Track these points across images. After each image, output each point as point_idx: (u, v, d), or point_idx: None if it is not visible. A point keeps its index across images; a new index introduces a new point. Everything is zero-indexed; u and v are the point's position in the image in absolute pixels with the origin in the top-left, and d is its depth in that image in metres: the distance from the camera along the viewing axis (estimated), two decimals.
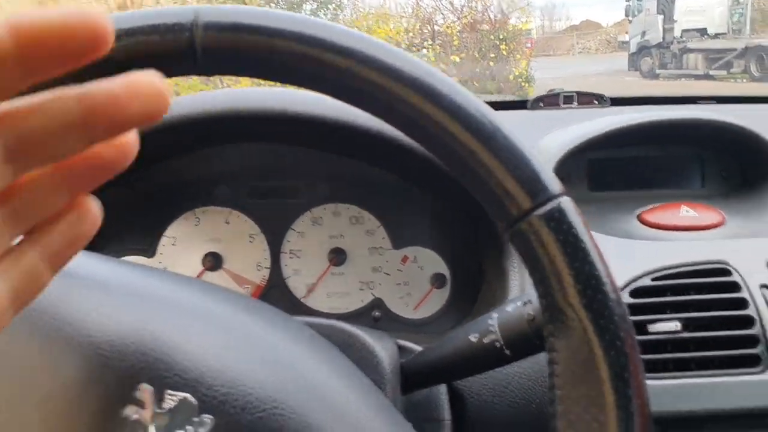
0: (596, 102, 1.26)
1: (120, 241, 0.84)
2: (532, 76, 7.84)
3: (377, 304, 0.84)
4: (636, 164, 0.94)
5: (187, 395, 0.38)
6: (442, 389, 0.64)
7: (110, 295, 0.42)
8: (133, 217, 0.84)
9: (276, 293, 0.85)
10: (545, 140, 0.94)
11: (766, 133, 0.87)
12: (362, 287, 0.85)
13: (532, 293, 0.53)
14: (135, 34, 0.37)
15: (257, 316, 0.47)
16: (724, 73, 12.45)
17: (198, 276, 0.84)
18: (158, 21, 0.36)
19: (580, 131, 0.91)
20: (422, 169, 0.75)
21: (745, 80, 11.86)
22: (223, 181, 0.85)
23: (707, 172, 0.92)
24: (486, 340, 0.54)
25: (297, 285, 0.85)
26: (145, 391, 0.38)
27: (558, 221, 0.37)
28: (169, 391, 0.38)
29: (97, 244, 0.83)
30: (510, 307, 0.53)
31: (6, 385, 0.38)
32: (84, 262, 0.44)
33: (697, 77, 12.76)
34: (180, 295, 0.45)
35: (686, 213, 0.81)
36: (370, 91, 0.38)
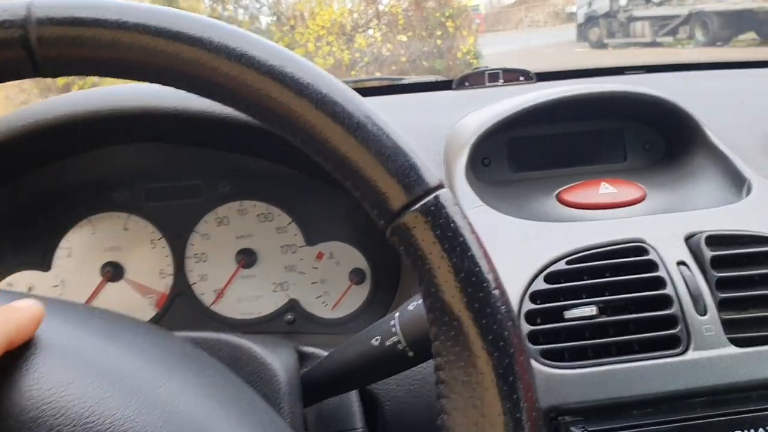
0: (522, 78, 1.23)
1: (11, 255, 0.78)
2: (480, 52, 7.82)
3: (292, 305, 0.80)
4: (556, 142, 0.90)
5: None
6: (353, 396, 0.60)
7: None
8: (24, 228, 0.78)
9: (182, 301, 0.80)
10: (465, 120, 0.90)
11: (688, 103, 0.84)
12: (276, 289, 0.80)
13: None
14: None
15: (106, 337, 0.41)
16: (670, 39, 12.64)
17: (98, 288, 0.79)
18: None
19: (498, 109, 0.87)
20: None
21: (691, 46, 12.06)
22: (119, 185, 0.79)
23: (629, 146, 0.89)
24: (388, 343, 0.50)
25: (204, 291, 0.80)
26: None
27: (435, 215, 0.33)
28: None
29: None
30: (411, 306, 0.50)
31: None
32: None
33: (645, 45, 12.93)
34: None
35: (606, 190, 0.78)
36: (225, 83, 0.34)
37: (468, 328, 0.33)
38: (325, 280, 0.80)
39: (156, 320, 0.78)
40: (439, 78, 1.33)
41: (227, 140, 0.73)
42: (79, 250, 0.79)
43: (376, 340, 0.50)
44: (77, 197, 0.79)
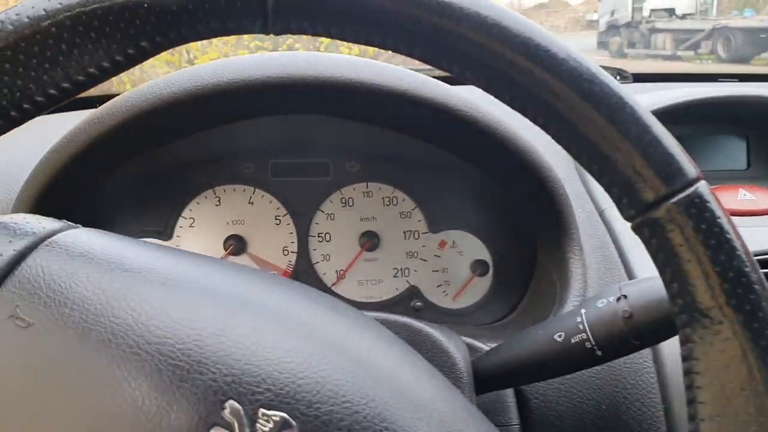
0: (618, 77, 1.21)
1: (133, 222, 0.77)
2: None
3: (413, 292, 0.78)
4: (682, 143, 0.89)
5: (285, 415, 0.32)
6: (509, 391, 0.59)
7: (177, 292, 0.35)
8: (148, 196, 0.76)
9: (303, 279, 0.78)
10: None
11: None
12: (396, 274, 0.79)
13: (625, 286, 0.48)
14: None
15: (336, 315, 0.40)
16: (691, 53, 12.58)
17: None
18: None
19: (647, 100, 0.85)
20: (469, 140, 0.68)
21: (710, 61, 12.01)
22: (247, 158, 0.78)
23: (753, 153, 0.88)
24: (574, 340, 0.48)
25: (326, 271, 0.79)
26: (234, 410, 0.31)
27: (699, 209, 0.31)
28: (263, 411, 0.32)
29: (108, 226, 0.75)
30: (600, 303, 0.48)
31: (56, 408, 0.31)
32: (139, 253, 0.36)
33: (665, 57, 12.88)
34: (253, 291, 0.38)
35: (744, 196, 0.76)
36: (472, 55, 0.32)
37: (737, 332, 0.31)
38: (446, 269, 0.79)
39: None
40: None
41: (358, 109, 0.70)
42: (202, 220, 0.77)
43: (560, 336, 0.49)
44: (203, 167, 0.77)
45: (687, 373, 0.33)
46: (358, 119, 0.71)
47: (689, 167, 0.32)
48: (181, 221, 0.77)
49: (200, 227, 0.77)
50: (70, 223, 0.36)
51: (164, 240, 0.77)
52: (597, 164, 0.33)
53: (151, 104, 0.60)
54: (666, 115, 0.83)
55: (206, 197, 0.77)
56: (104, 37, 0.31)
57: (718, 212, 0.32)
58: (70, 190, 0.66)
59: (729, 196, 0.77)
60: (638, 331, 0.46)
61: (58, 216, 0.65)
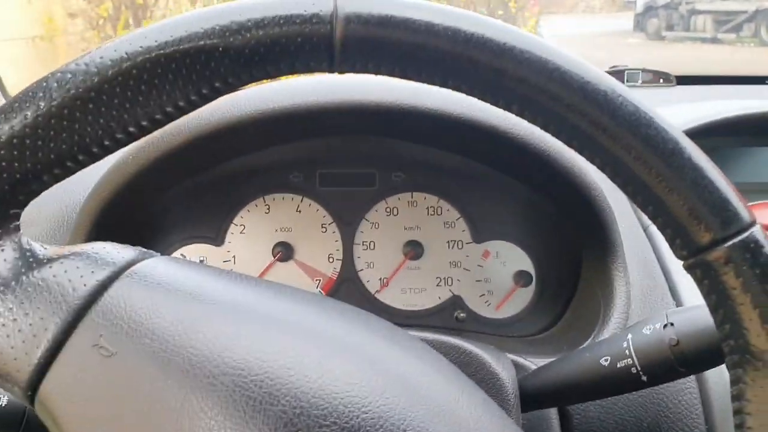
0: (662, 81, 1.20)
1: (187, 228, 0.79)
2: (540, 34, 7.72)
3: (456, 302, 0.80)
4: (718, 154, 0.88)
5: None
6: (552, 409, 0.60)
7: (250, 323, 0.37)
8: (201, 203, 0.79)
9: (348, 287, 0.80)
10: None
11: None
12: (439, 283, 0.80)
13: (672, 313, 0.49)
14: (267, 26, 0.32)
15: (395, 345, 0.42)
16: (732, 36, 12.25)
17: (268, 267, 0.79)
18: (294, 11, 0.32)
19: (688, 115, 0.85)
20: (515, 158, 0.69)
21: (753, 45, 11.69)
22: (296, 168, 0.80)
23: None
24: (620, 365, 0.49)
25: (370, 278, 0.80)
26: None
27: (754, 254, 0.32)
28: None
29: (162, 232, 0.78)
30: (647, 330, 0.49)
31: None
32: (214, 282, 0.38)
33: (704, 40, 12.56)
34: (320, 322, 0.39)
35: None
36: (532, 97, 0.33)
37: None
38: (489, 279, 0.80)
39: None
40: None
41: (408, 129, 0.72)
42: (252, 227, 0.80)
43: (606, 360, 0.50)
44: (254, 177, 0.79)
45: (737, 412, 0.34)
46: (411, 140, 0.72)
47: (744, 212, 0.33)
48: (232, 228, 0.80)
49: (250, 234, 0.80)
50: (146, 250, 0.37)
51: (216, 246, 0.80)
52: (652, 205, 0.34)
53: (213, 127, 0.62)
54: (708, 130, 0.83)
55: (256, 205, 0.80)
56: (181, 78, 0.32)
57: None
58: (132, 204, 0.68)
59: (766, 212, 0.77)
60: (685, 359, 0.47)
61: (119, 225, 0.68)
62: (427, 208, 0.81)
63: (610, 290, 0.66)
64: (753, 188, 0.87)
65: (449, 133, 0.68)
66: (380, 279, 0.80)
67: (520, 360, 0.62)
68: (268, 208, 0.80)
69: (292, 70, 0.34)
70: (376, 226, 0.80)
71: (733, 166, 0.90)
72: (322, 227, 0.80)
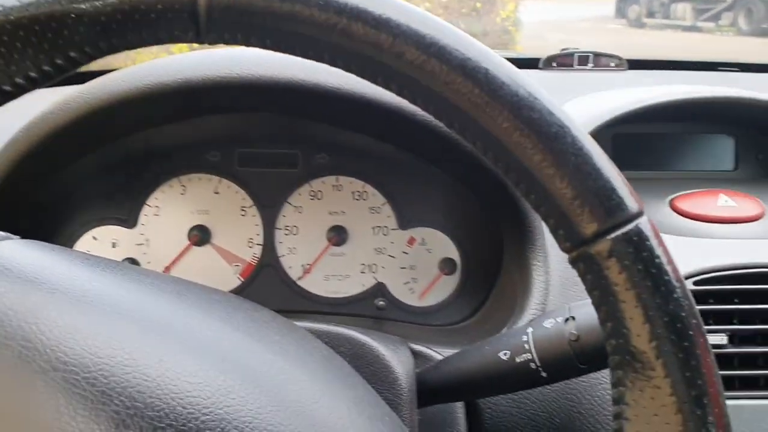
0: (613, 65, 1.18)
1: (98, 208, 0.76)
2: (519, 19, 7.73)
3: (380, 289, 0.77)
4: (664, 141, 0.86)
5: None
6: (459, 403, 0.58)
7: (89, 314, 0.34)
8: (114, 182, 0.75)
9: (268, 273, 0.77)
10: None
11: None
12: (363, 270, 0.78)
13: (575, 307, 0.47)
14: None
15: (253, 340, 0.39)
16: (711, 25, 12.34)
17: (183, 251, 0.76)
18: None
19: (606, 104, 0.83)
20: (440, 147, 0.66)
21: (731, 33, 11.77)
22: (214, 147, 0.76)
23: (741, 154, 0.85)
24: (519, 359, 0.47)
25: (292, 265, 0.77)
26: None
27: (637, 247, 0.29)
28: None
29: (72, 213, 0.74)
30: (547, 323, 0.47)
31: None
32: (61, 269, 0.35)
33: (684, 28, 12.64)
34: (168, 314, 0.36)
35: (724, 202, 0.74)
36: (410, 74, 0.31)
37: (668, 380, 0.30)
38: (414, 266, 0.77)
39: (240, 290, 0.76)
40: (524, 54, 1.28)
41: (329, 112, 0.69)
42: (167, 209, 0.76)
43: (505, 354, 0.48)
44: (168, 155, 0.76)
45: (616, 417, 0.32)
46: (326, 121, 0.69)
47: (631, 201, 0.30)
48: (145, 209, 0.76)
49: (165, 216, 0.76)
50: (8, 234, 0.35)
51: (129, 228, 0.76)
52: (534, 194, 0.32)
53: (116, 97, 0.59)
54: (653, 113, 0.81)
55: (171, 186, 0.76)
56: (30, 47, 0.30)
57: (658, 251, 0.30)
58: (29, 183, 0.65)
59: (709, 201, 0.75)
60: (584, 356, 0.45)
61: (23, 202, 0.65)
62: (353, 192, 0.78)
63: (528, 280, 0.64)
64: (702, 176, 0.86)
65: (363, 115, 0.65)
66: (302, 265, 0.77)
67: (428, 351, 0.60)
68: (184, 189, 0.76)
69: (157, 40, 0.32)
70: (300, 210, 0.77)
71: (681, 153, 0.88)
72: (242, 210, 0.77)
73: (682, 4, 13.03)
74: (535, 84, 0.31)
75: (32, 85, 0.32)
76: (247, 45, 0.32)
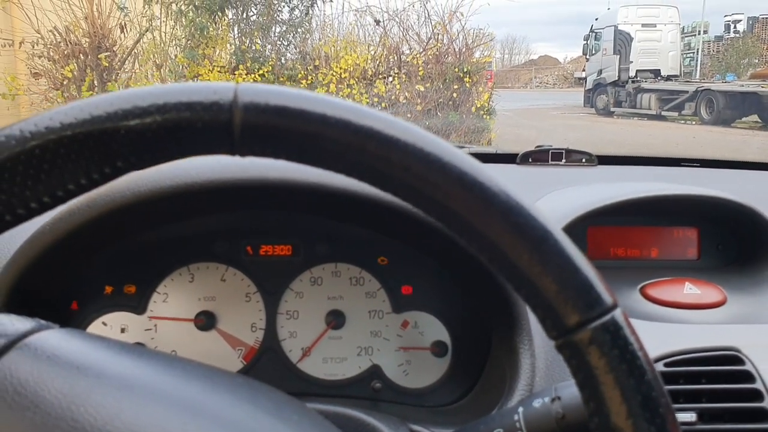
0: (584, 160, 1.27)
1: (109, 297, 0.80)
2: (493, 108, 8.02)
3: (375, 371, 0.81)
4: (634, 233, 0.94)
5: None
6: None
7: (131, 397, 0.37)
8: (124, 271, 0.80)
9: (269, 356, 0.81)
10: (541, 205, 0.93)
11: (762, 206, 0.89)
12: (360, 352, 0.82)
13: (560, 388, 0.52)
14: (169, 112, 0.35)
15: (274, 414, 0.43)
16: (675, 114, 12.90)
17: (190, 335, 0.80)
18: (195, 99, 0.34)
19: (581, 199, 0.91)
20: (433, 241, 0.73)
21: (694, 122, 12.29)
22: (221, 237, 0.82)
23: (704, 245, 0.93)
24: None
25: (292, 348, 0.82)
26: None
27: (614, 335, 0.35)
28: None
29: (84, 301, 0.79)
30: (537, 403, 0.52)
31: None
32: (102, 356, 0.39)
33: (650, 117, 13.18)
34: (206, 400, 0.41)
35: (690, 290, 0.81)
36: (415, 185, 0.37)
37: None
38: (408, 348, 0.82)
39: (243, 373, 0.80)
40: (501, 150, 1.37)
41: (328, 208, 0.75)
42: (175, 295, 0.81)
43: None
44: (177, 246, 0.81)
45: None
46: (324, 215, 0.75)
47: (606, 296, 0.36)
48: (155, 296, 0.81)
49: (173, 302, 0.81)
50: (44, 322, 0.38)
51: (138, 314, 0.80)
52: (524, 288, 0.37)
53: (127, 200, 0.64)
54: (624, 207, 0.89)
55: (180, 274, 0.81)
56: (83, 158, 0.35)
57: (631, 338, 0.36)
58: (51, 273, 0.69)
59: (676, 289, 0.81)
60: None
61: (37, 294, 0.69)
62: (350, 278, 0.83)
63: (516, 363, 0.69)
64: (669, 265, 0.93)
65: (359, 210, 0.71)
66: (302, 348, 0.82)
67: (425, 431, 0.64)
68: (192, 277, 0.81)
69: (195, 152, 0.37)
70: (300, 296, 0.82)
71: (650, 243, 0.95)
72: (246, 296, 0.82)
73: (647, 94, 13.65)
74: (521, 194, 0.38)
75: (81, 190, 0.36)
76: (276, 158, 0.38)
